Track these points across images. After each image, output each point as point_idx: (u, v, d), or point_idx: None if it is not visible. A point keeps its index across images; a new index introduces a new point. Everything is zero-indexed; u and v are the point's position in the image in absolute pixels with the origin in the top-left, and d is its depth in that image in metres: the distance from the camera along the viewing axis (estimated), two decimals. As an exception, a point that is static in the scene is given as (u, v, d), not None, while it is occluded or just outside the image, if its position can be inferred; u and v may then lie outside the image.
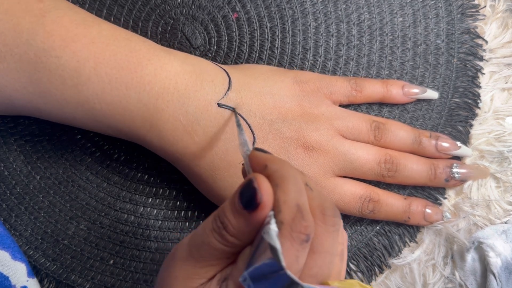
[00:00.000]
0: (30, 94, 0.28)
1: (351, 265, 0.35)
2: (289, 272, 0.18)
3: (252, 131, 0.30)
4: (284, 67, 0.35)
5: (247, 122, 0.30)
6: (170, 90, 0.29)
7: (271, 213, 0.20)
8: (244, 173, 0.24)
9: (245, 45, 0.35)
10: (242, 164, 0.24)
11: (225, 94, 0.30)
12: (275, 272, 0.18)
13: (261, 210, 0.20)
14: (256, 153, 0.22)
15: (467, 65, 0.36)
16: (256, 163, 0.22)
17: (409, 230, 0.35)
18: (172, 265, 0.23)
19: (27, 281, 0.32)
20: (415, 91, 0.35)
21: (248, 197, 0.20)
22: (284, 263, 0.18)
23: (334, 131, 0.31)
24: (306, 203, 0.20)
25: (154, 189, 0.35)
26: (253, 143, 0.30)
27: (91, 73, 0.27)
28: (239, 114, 0.30)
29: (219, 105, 0.30)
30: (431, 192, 0.35)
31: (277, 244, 0.18)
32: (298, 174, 0.21)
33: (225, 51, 0.35)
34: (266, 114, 0.30)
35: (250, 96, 0.30)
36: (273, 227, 0.19)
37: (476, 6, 0.36)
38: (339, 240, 0.22)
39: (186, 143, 0.30)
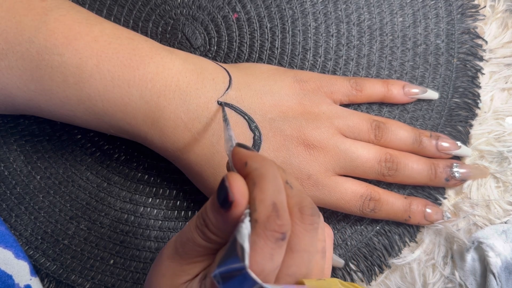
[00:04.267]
0: (31, 92, 0.28)
1: (351, 265, 0.35)
2: (249, 271, 0.18)
3: (258, 130, 0.30)
4: (284, 67, 0.35)
5: (251, 120, 0.30)
6: (172, 87, 0.29)
7: (247, 211, 0.20)
8: (229, 169, 0.24)
9: (245, 45, 0.35)
10: (227, 163, 0.24)
11: (225, 92, 0.30)
12: (240, 271, 0.18)
13: (234, 208, 0.20)
14: (238, 150, 0.22)
15: (467, 65, 0.36)
16: (238, 159, 0.22)
17: (409, 230, 0.35)
18: (159, 263, 0.23)
19: (30, 279, 0.32)
20: (416, 91, 0.35)
21: (222, 196, 0.20)
22: (247, 261, 0.18)
23: (335, 129, 0.32)
24: (284, 202, 0.20)
25: (154, 189, 0.35)
26: (260, 142, 0.30)
27: (93, 70, 0.28)
28: (239, 111, 0.30)
29: (219, 103, 0.30)
30: (431, 192, 0.35)
31: (245, 242, 0.18)
32: (278, 172, 0.21)
33: (225, 51, 0.35)
34: (267, 112, 0.30)
35: (250, 94, 0.31)
36: (244, 225, 0.19)
37: (476, 6, 0.36)
38: (318, 238, 0.22)
39: (187, 140, 0.30)
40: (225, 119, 0.27)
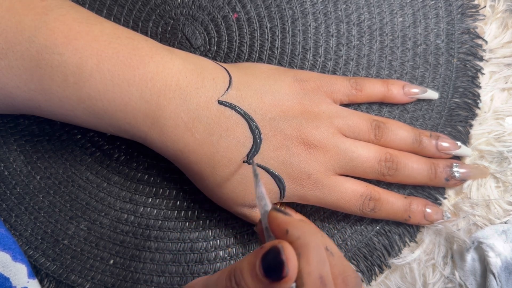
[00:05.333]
0: (31, 91, 0.28)
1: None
2: None
3: (258, 128, 0.30)
4: (284, 67, 0.35)
5: (251, 119, 0.30)
6: (172, 87, 0.29)
7: (293, 285, 0.19)
8: (261, 229, 0.23)
9: (245, 45, 0.35)
10: (260, 221, 0.24)
11: (225, 92, 0.30)
12: None
13: (285, 283, 0.19)
14: (276, 215, 0.21)
15: (467, 65, 0.36)
16: (277, 225, 0.21)
17: (409, 230, 0.35)
18: None
19: (28, 282, 0.32)
20: (416, 91, 0.35)
21: (272, 267, 0.19)
22: None
23: (335, 129, 0.32)
24: (329, 274, 0.20)
25: (154, 189, 0.35)
26: (259, 143, 0.30)
27: (93, 70, 0.28)
28: (239, 110, 0.30)
29: (219, 102, 0.30)
30: (431, 192, 0.35)
31: None
32: (320, 239, 0.20)
33: (225, 51, 0.35)
34: (267, 112, 0.30)
35: (250, 94, 0.31)
36: None
37: (476, 6, 0.36)
38: None
39: (187, 140, 0.30)
40: (256, 175, 0.27)
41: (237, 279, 0.20)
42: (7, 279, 0.31)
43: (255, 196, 0.25)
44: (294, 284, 0.19)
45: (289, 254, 0.19)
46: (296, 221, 0.21)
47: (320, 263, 0.19)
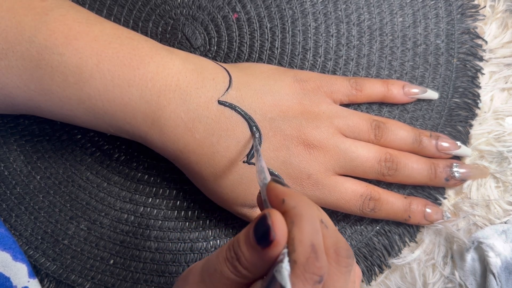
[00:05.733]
0: (31, 91, 0.28)
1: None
2: None
3: (258, 128, 0.30)
4: (284, 67, 0.35)
5: (251, 120, 0.30)
6: (172, 87, 0.29)
7: (285, 250, 0.19)
8: (260, 201, 0.24)
9: (245, 45, 0.35)
10: (259, 194, 0.24)
11: (225, 92, 0.30)
12: None
13: (274, 247, 0.19)
14: (274, 185, 0.22)
15: (467, 65, 0.36)
16: (274, 195, 0.21)
17: (409, 230, 0.35)
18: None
19: (28, 281, 0.32)
20: (416, 91, 0.35)
21: (261, 233, 0.20)
22: None
23: (335, 129, 0.32)
24: (321, 243, 0.20)
25: (154, 189, 0.35)
26: (260, 142, 0.30)
27: (94, 70, 0.28)
28: (240, 110, 0.30)
29: (219, 102, 0.30)
30: (431, 192, 0.35)
31: (287, 284, 0.18)
32: (315, 211, 0.21)
33: (225, 51, 0.35)
34: (267, 112, 0.30)
35: (250, 94, 0.31)
36: (285, 266, 0.19)
37: (476, 6, 0.36)
38: (350, 279, 0.22)
39: (187, 140, 0.30)
40: (257, 150, 0.27)
41: (235, 249, 0.21)
42: (7, 279, 0.31)
43: (256, 171, 0.25)
44: (286, 251, 0.19)
45: (275, 220, 0.19)
46: (293, 192, 0.21)
47: (312, 232, 0.20)
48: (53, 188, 0.35)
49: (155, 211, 0.35)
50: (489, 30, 0.36)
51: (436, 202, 0.35)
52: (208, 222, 0.35)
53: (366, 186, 0.33)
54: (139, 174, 0.35)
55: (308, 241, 0.19)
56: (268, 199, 0.22)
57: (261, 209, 0.25)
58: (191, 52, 0.35)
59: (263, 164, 0.25)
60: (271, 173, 0.30)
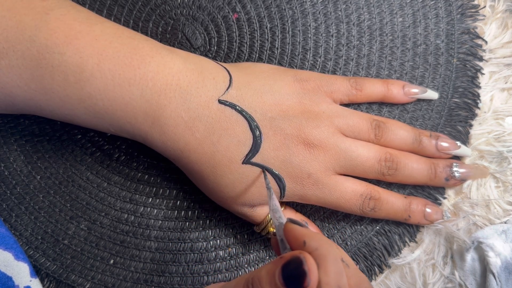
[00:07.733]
0: (32, 91, 0.28)
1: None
2: None
3: (258, 127, 0.30)
4: (284, 67, 0.35)
5: (251, 119, 0.30)
6: (172, 86, 0.29)
7: None
8: (275, 243, 0.23)
9: (245, 45, 0.35)
10: (274, 234, 0.24)
11: (225, 91, 0.30)
12: None
13: None
14: (292, 226, 0.22)
15: (467, 65, 0.36)
16: (293, 237, 0.21)
17: (409, 229, 0.35)
18: None
19: (30, 281, 0.32)
20: (416, 91, 0.35)
21: (293, 277, 0.19)
22: None
23: (335, 128, 0.32)
24: (346, 285, 0.20)
25: (154, 189, 0.35)
26: (260, 141, 0.30)
27: (94, 69, 0.28)
28: (240, 110, 0.30)
29: (220, 101, 0.30)
30: (431, 192, 0.35)
31: None
32: (336, 250, 0.21)
33: (225, 51, 0.35)
34: (267, 111, 0.31)
35: (250, 93, 0.31)
36: None
37: (476, 6, 0.36)
38: None
39: (187, 139, 0.30)
40: (268, 188, 0.27)
41: (255, 287, 0.20)
42: (9, 278, 0.31)
43: (269, 209, 0.25)
44: None
45: (311, 265, 0.19)
46: (313, 233, 0.21)
47: (337, 274, 0.19)
48: (53, 188, 0.35)
49: (155, 211, 0.35)
50: (489, 30, 0.36)
51: (436, 202, 0.35)
52: (208, 222, 0.35)
53: (366, 186, 0.33)
54: (139, 174, 0.35)
55: (334, 284, 0.19)
56: (287, 240, 0.22)
57: (276, 249, 0.24)
58: (191, 52, 0.35)
59: (276, 202, 0.24)
60: (272, 173, 0.30)
